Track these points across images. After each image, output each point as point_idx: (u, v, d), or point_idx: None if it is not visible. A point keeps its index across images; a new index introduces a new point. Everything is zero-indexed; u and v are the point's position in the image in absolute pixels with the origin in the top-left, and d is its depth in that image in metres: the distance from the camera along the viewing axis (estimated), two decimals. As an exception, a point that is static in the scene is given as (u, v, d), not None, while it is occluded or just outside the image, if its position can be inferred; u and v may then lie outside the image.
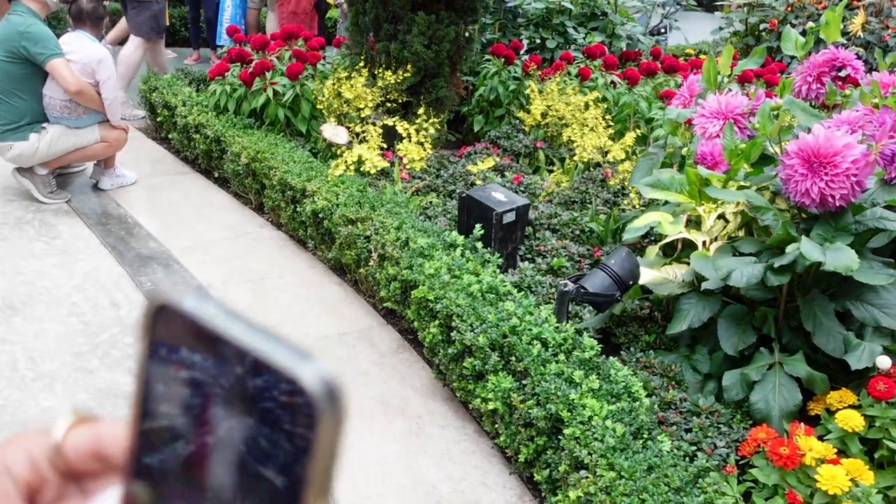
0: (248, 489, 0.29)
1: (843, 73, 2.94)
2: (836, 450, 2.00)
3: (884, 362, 2.17)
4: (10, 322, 3.03)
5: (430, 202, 3.77)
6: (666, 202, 2.67)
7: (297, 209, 3.69)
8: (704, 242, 2.56)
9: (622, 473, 1.94)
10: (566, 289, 2.66)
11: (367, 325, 3.18)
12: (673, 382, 2.42)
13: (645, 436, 2.10)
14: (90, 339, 2.95)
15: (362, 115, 4.33)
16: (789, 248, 2.19)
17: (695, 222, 2.69)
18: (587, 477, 1.99)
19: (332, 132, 4.21)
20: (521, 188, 3.91)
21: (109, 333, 3.00)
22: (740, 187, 2.47)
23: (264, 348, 0.28)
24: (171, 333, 0.30)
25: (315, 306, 3.30)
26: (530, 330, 2.41)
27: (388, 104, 4.51)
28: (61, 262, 3.54)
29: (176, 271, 3.53)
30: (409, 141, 4.17)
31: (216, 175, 4.60)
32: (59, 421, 0.36)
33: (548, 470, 2.18)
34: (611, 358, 2.39)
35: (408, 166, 4.09)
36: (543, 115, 4.66)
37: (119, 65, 5.68)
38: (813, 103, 2.88)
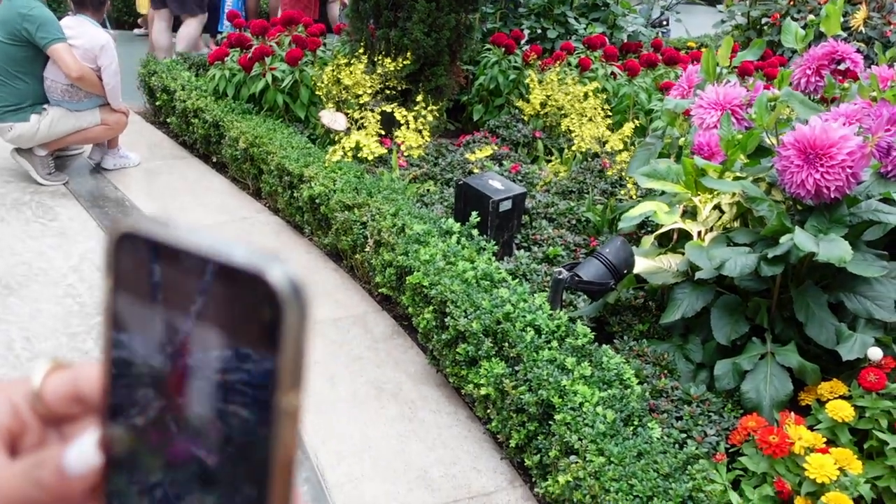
0: (226, 402, 0.29)
1: (842, 67, 2.94)
2: (825, 439, 2.01)
3: (875, 353, 2.18)
4: (6, 302, 3.03)
5: (428, 189, 3.77)
6: (662, 192, 2.67)
7: (295, 194, 3.69)
8: (700, 232, 2.57)
9: (612, 459, 1.95)
10: (560, 276, 2.67)
11: (363, 311, 3.18)
12: (665, 371, 2.43)
13: (635, 422, 2.11)
14: (85, 321, 2.96)
15: (361, 102, 4.32)
16: (783, 239, 2.19)
17: (691, 212, 2.70)
18: (577, 462, 2.00)
19: (331, 118, 4.21)
20: (519, 177, 3.91)
21: (105, 315, 3.01)
22: (736, 178, 2.47)
23: (228, 252, 0.28)
24: (135, 260, 0.30)
25: (310, 291, 3.30)
26: (524, 317, 2.42)
27: (387, 91, 4.50)
28: (58, 244, 3.54)
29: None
30: (408, 128, 4.17)
31: (214, 160, 4.59)
32: (37, 367, 0.36)
33: (538, 455, 2.19)
34: (604, 346, 2.40)
35: (406, 153, 4.08)
36: (543, 105, 4.65)
37: (179, 42, 5.82)
38: (812, 96, 2.88)
